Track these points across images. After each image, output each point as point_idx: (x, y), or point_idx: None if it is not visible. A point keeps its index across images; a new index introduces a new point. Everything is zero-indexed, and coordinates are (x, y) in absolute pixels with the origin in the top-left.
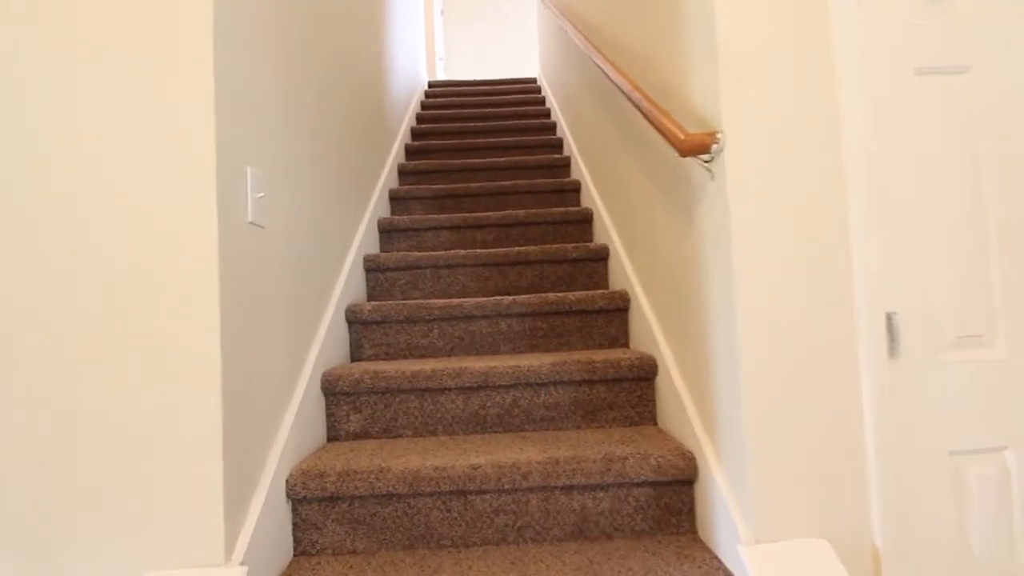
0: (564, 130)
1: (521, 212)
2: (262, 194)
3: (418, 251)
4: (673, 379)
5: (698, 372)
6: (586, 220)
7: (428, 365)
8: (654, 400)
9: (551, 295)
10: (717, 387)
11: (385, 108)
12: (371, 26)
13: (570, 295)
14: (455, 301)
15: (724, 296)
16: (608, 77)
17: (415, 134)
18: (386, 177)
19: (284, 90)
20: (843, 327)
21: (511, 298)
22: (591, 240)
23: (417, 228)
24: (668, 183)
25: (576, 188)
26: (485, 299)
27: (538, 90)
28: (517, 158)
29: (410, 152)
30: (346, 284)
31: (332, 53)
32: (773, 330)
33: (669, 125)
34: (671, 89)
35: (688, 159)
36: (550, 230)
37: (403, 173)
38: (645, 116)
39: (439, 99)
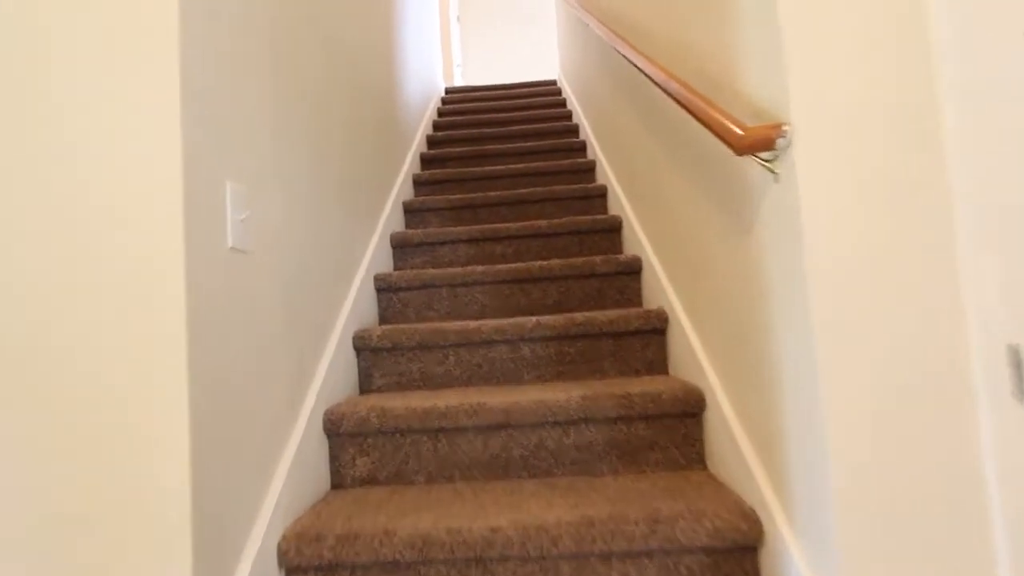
0: (587, 132)
1: (543, 222)
2: (246, 214)
3: (433, 267)
4: (725, 415)
5: (758, 408)
6: (614, 229)
7: (442, 401)
8: (702, 439)
9: (578, 315)
10: (786, 428)
11: (398, 116)
12: (382, 32)
13: (600, 315)
14: (472, 325)
15: (795, 319)
16: (638, 68)
17: (431, 142)
18: (399, 188)
19: (278, 95)
20: (953, 361)
21: (534, 320)
22: (620, 251)
23: (432, 242)
24: (715, 186)
25: (602, 193)
26: (506, 322)
27: (558, 92)
28: (537, 163)
29: (425, 161)
30: (354, 306)
31: (336, 58)
32: (860, 361)
33: (721, 119)
34: (716, 79)
35: (743, 158)
36: (575, 240)
37: (418, 183)
38: (688, 110)
39: (456, 105)
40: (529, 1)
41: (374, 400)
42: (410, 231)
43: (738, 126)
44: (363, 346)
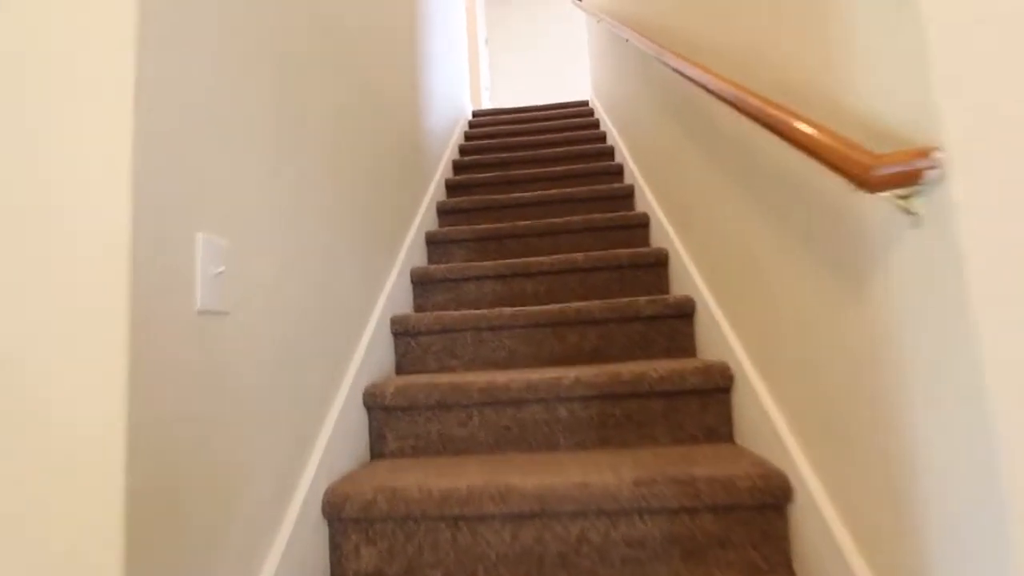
0: (624, 154)
1: (579, 256)
2: (221, 269)
3: (457, 305)
4: (818, 507)
5: (871, 501)
6: (660, 263)
7: (464, 480)
8: (787, 538)
9: (624, 370)
10: (926, 530)
11: (423, 141)
12: (405, 54)
13: (651, 370)
14: (500, 380)
15: (948, 397)
16: (695, 82)
17: (457, 167)
18: (422, 218)
19: (281, 128)
20: None
21: (572, 376)
22: (667, 289)
23: (456, 278)
24: (806, 224)
25: (644, 223)
26: (538, 377)
27: (591, 113)
28: (570, 189)
29: (451, 188)
30: (367, 356)
31: (354, 82)
32: None
33: (834, 143)
34: (803, 91)
35: (851, 190)
36: (615, 276)
37: (442, 212)
38: (777, 131)
39: (484, 128)
40: (558, 22)
41: (383, 476)
42: (432, 266)
43: (863, 152)
44: (375, 404)
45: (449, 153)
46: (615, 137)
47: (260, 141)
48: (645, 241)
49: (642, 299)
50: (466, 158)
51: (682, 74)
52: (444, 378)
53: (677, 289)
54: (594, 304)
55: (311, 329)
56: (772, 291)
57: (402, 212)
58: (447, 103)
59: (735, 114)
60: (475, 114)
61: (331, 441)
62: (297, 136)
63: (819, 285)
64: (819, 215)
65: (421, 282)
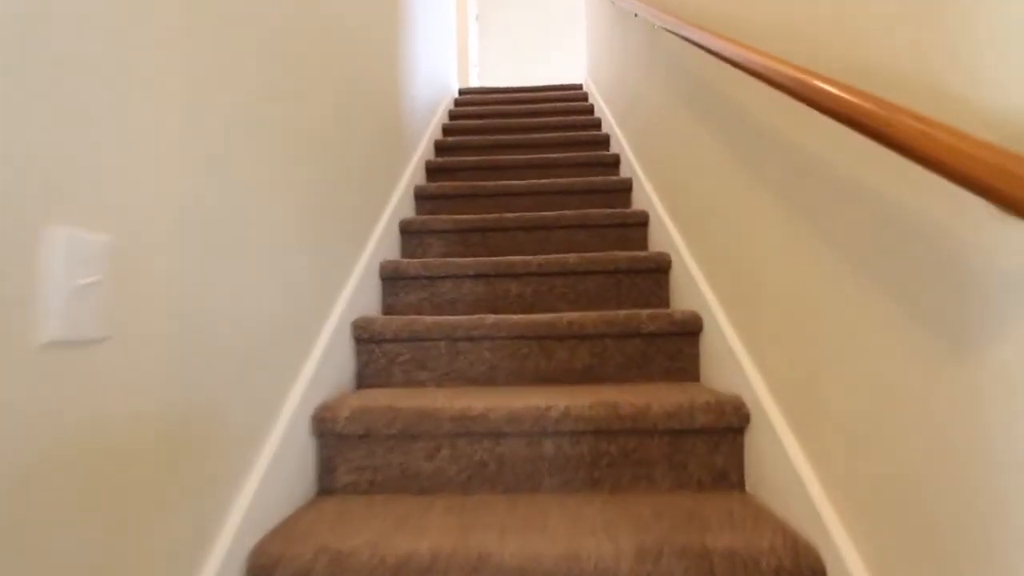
0: (622, 144)
1: (571, 257)
2: (94, 278)
3: (431, 307)
4: None
5: None
6: (660, 269)
7: (426, 541)
8: None
9: (623, 403)
10: None
11: (401, 117)
12: (385, 20)
13: (654, 404)
14: (476, 408)
15: None
16: (738, 65)
17: (439, 148)
18: (397, 204)
19: (200, 77)
20: None
21: (562, 405)
22: (667, 298)
23: (432, 275)
24: (893, 260)
25: (643, 221)
26: (522, 406)
27: (585, 97)
28: (563, 180)
29: (432, 171)
30: (320, 370)
31: (319, 40)
32: None
33: (982, 154)
34: (897, 78)
35: (1006, 219)
36: (611, 282)
37: (421, 198)
38: (866, 128)
39: (470, 107)
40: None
41: (327, 527)
42: (405, 261)
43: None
44: (326, 429)
45: (431, 133)
46: (612, 125)
47: (160, 90)
48: (643, 242)
49: (643, 313)
50: (450, 139)
51: (713, 52)
52: (410, 400)
53: (679, 300)
54: (588, 316)
55: (239, 346)
56: (821, 329)
57: (373, 196)
58: (431, 78)
59: (779, 104)
60: (462, 92)
61: (264, 483)
62: (227, 97)
63: (905, 336)
64: (915, 248)
65: (392, 278)
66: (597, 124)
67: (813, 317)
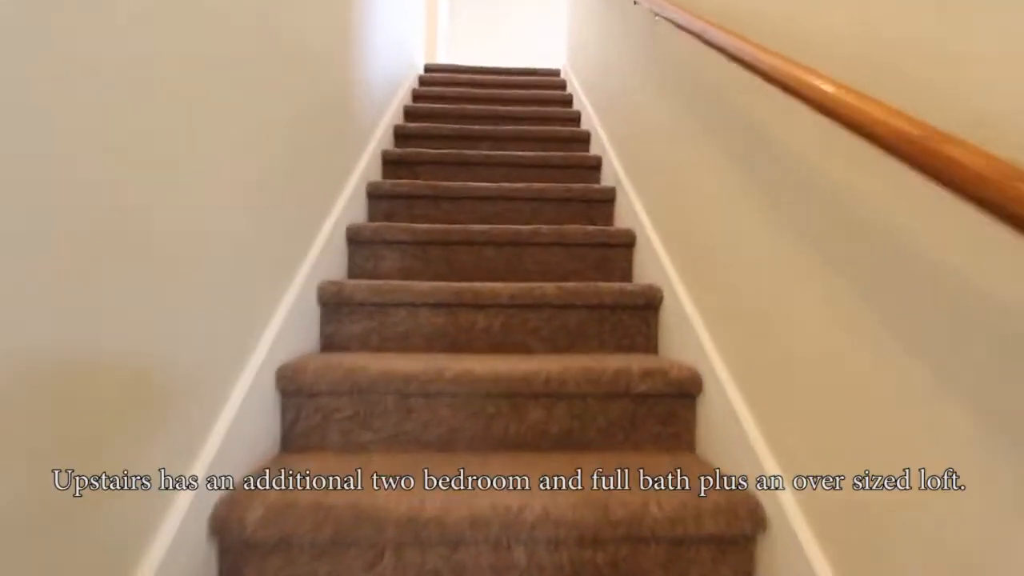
0: (604, 145)
1: (549, 287)
2: None
3: (379, 340)
4: None
5: None
6: (650, 305)
7: None
8: None
9: (617, 507)
10: None
11: (352, 99)
12: None
13: (652, 507)
14: (428, 513)
15: None
16: (772, 79)
17: (400, 136)
18: (346, 204)
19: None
20: None
21: (538, 507)
22: (655, 339)
23: (382, 303)
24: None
25: (628, 242)
26: (487, 505)
27: (563, 86)
28: (539, 185)
29: (389, 163)
30: (231, 432)
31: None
32: None
33: None
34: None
35: None
36: (593, 318)
37: (376, 197)
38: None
39: (436, 88)
40: None
41: None
42: (351, 283)
43: None
44: (231, 539)
45: (391, 116)
46: (593, 122)
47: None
48: (628, 267)
49: (634, 368)
50: (412, 124)
51: (736, 58)
52: (343, 498)
53: (670, 343)
54: (569, 371)
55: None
56: (867, 418)
57: (316, 197)
58: (393, 52)
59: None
60: (428, 69)
61: None
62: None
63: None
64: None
65: (334, 304)
66: (576, 118)
67: (848, 393)
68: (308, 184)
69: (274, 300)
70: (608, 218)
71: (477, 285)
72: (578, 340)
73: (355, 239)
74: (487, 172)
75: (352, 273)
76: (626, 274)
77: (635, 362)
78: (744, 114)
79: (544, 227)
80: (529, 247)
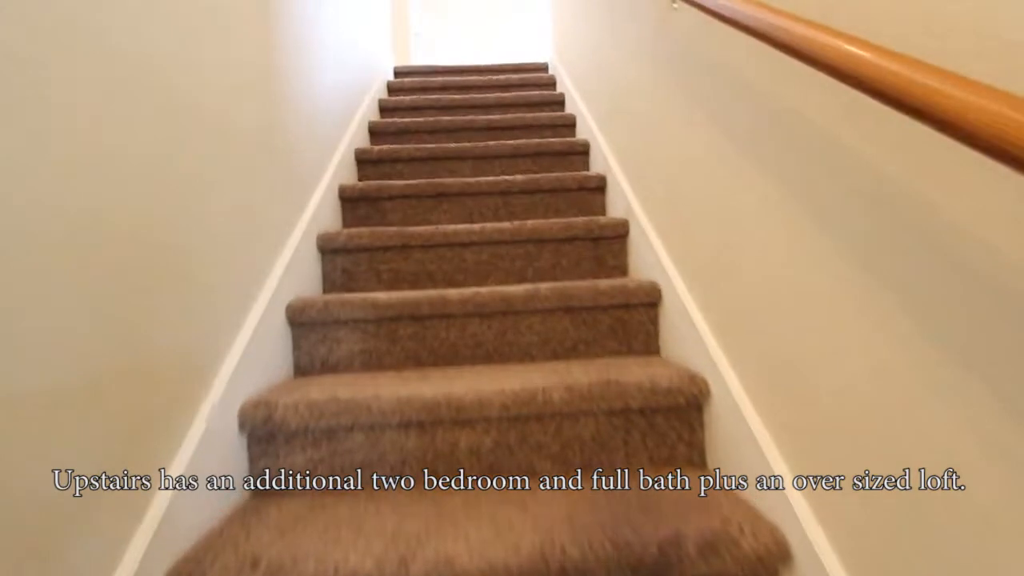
0: (608, 162)
1: (555, 391)
2: None
3: (328, 471)
4: None
5: None
6: (692, 405)
7: None
8: None
9: None
10: None
11: (285, 137)
12: None
13: None
14: None
15: None
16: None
17: (363, 162)
18: (286, 271)
19: None
20: None
21: None
22: (702, 442)
23: (332, 427)
24: None
25: (651, 301)
26: None
27: (552, 83)
28: (533, 223)
29: (349, 201)
30: None
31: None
32: None
33: None
34: None
35: None
36: (616, 426)
37: (331, 251)
38: None
39: (407, 96)
40: None
41: None
42: (284, 401)
43: None
44: None
45: (349, 141)
46: (593, 130)
47: None
48: (653, 335)
49: (688, 542)
50: (377, 147)
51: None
52: None
53: (722, 454)
54: (593, 557)
55: None
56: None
57: (231, 276)
58: (349, 62)
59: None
60: (398, 73)
61: None
62: None
63: None
64: None
65: (265, 436)
66: (570, 124)
67: None
68: (234, 248)
69: (173, 435)
70: (619, 256)
71: (458, 395)
72: (598, 457)
73: (299, 320)
74: (468, 205)
75: (300, 366)
76: (651, 345)
77: (691, 524)
78: (764, 99)
79: (543, 287)
80: (525, 315)
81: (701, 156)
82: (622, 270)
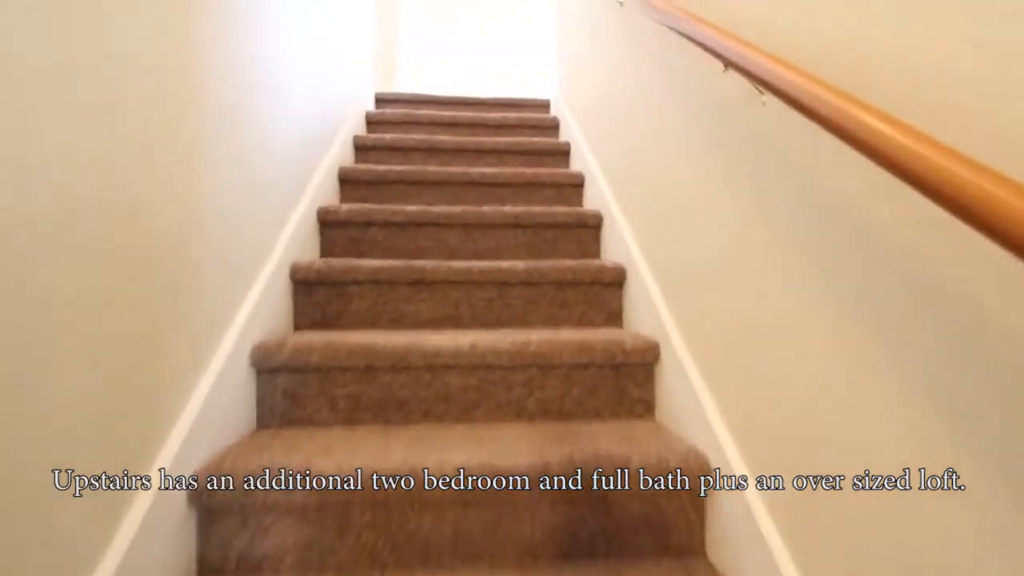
0: (623, 233)
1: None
2: None
3: None
4: None
5: None
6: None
7: None
8: None
9: None
10: None
11: (203, 233)
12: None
13: None
14: None
15: None
16: None
17: (328, 224)
18: (190, 431)
19: None
20: None
21: None
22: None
23: None
24: None
25: (693, 487)
26: None
27: (554, 125)
28: (540, 337)
29: (305, 285)
30: None
31: None
32: None
33: None
34: None
35: None
36: None
37: (269, 371)
38: None
39: (388, 133)
40: None
41: None
42: None
43: None
44: None
45: (310, 201)
46: (606, 196)
47: None
48: (699, 524)
49: None
50: (347, 206)
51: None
52: None
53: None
54: None
55: None
56: None
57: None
58: (318, 94)
59: None
60: (380, 101)
61: None
62: None
63: None
64: None
65: None
66: (578, 182)
67: None
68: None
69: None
70: (643, 386)
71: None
72: None
73: (210, 503)
74: (454, 296)
75: (208, 562)
76: (693, 535)
77: None
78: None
79: (552, 454)
80: (527, 503)
81: (772, 289)
82: (647, 403)
